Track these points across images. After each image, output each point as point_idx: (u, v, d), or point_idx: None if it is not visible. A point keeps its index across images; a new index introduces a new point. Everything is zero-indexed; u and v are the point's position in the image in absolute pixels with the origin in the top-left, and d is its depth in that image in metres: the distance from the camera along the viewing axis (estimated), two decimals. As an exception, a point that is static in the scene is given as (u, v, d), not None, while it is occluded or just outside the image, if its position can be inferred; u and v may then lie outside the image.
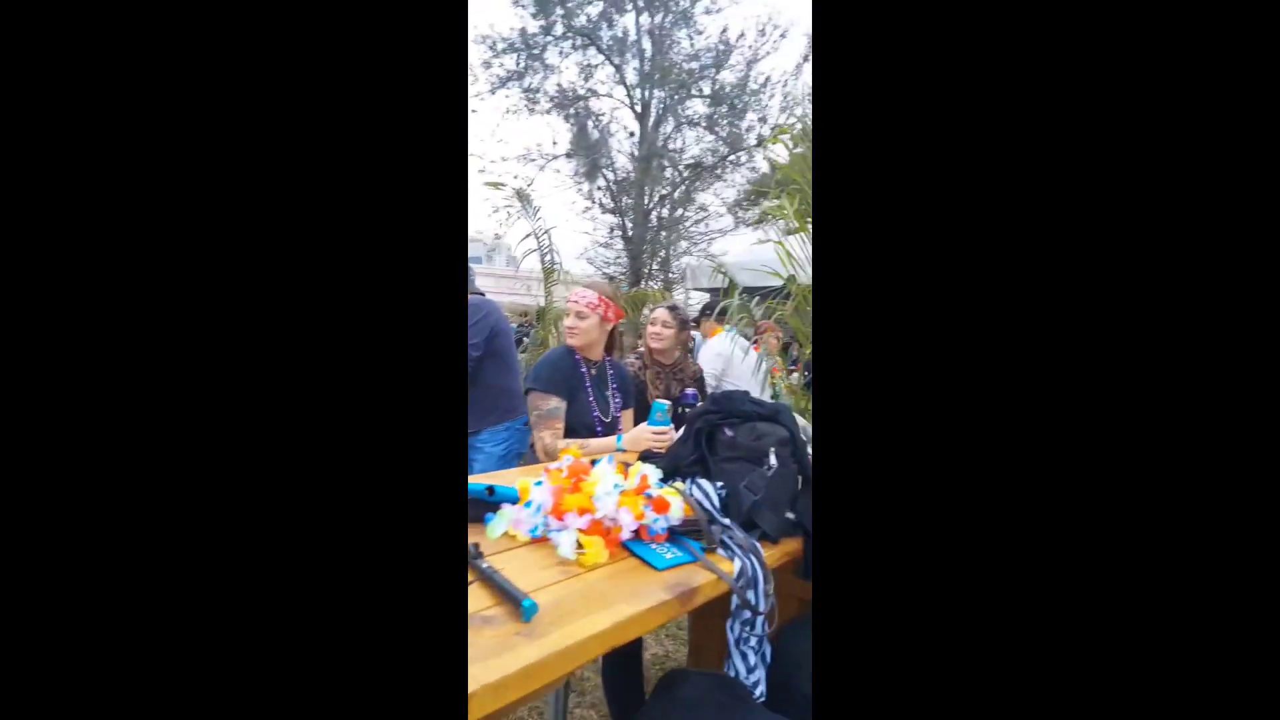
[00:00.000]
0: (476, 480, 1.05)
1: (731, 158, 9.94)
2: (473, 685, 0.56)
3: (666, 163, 10.08)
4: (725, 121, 9.78)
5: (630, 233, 10.13)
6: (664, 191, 10.27)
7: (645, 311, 4.67)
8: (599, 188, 10.11)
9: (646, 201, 10.14)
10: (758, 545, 0.97)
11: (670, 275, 9.86)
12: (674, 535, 0.96)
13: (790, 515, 1.08)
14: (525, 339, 4.95)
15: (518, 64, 9.37)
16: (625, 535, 0.93)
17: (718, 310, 2.89)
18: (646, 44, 9.64)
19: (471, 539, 0.83)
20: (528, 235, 4.41)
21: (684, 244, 10.42)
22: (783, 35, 9.60)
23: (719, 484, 1.08)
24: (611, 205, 10.23)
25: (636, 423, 1.75)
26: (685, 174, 10.18)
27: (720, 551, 0.96)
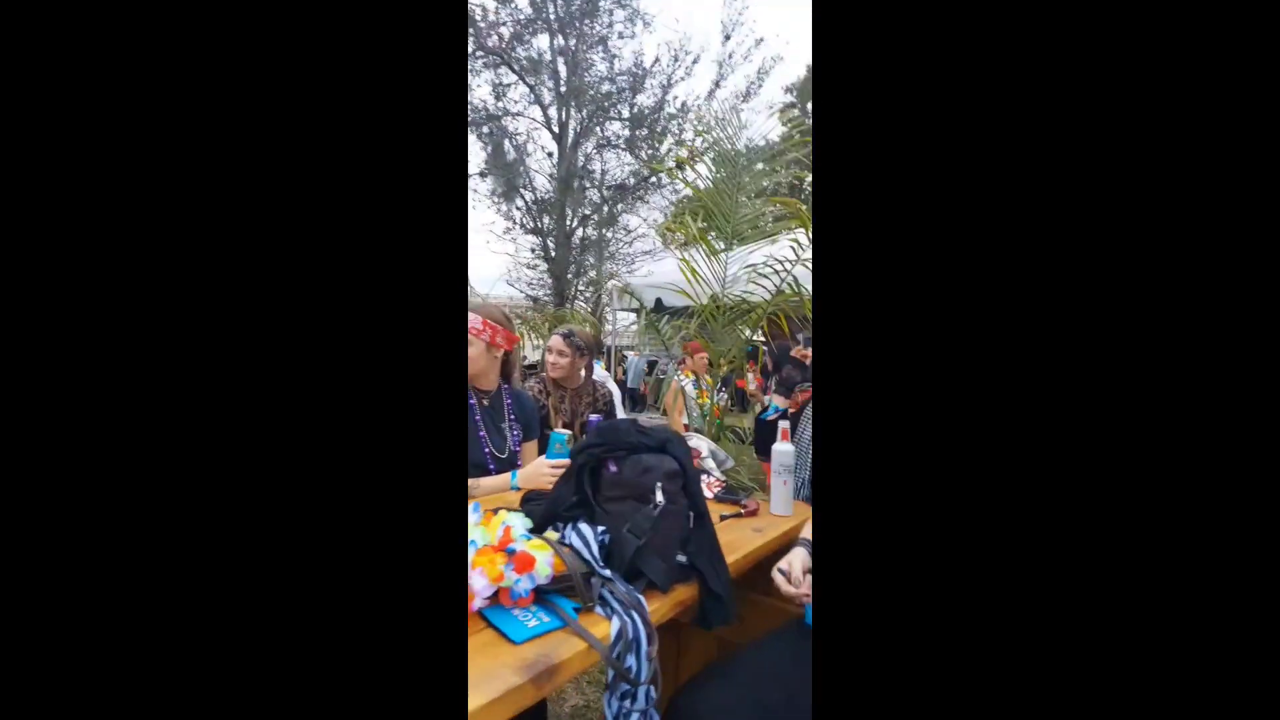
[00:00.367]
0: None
1: (653, 180, 10.05)
2: None
3: (588, 184, 10.05)
4: (644, 144, 9.90)
5: (554, 254, 9.98)
6: (585, 212, 10.22)
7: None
8: (518, 208, 9.95)
9: (569, 222, 10.05)
10: (642, 600, 0.84)
11: (600, 295, 9.82)
12: (541, 595, 0.83)
13: (681, 558, 0.96)
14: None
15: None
16: (479, 603, 0.78)
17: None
18: (561, 66, 9.64)
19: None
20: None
21: (609, 265, 10.39)
22: (695, 61, 9.90)
23: (600, 529, 0.95)
24: (533, 225, 10.06)
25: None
26: (609, 195, 10.18)
27: (598, 610, 0.82)
